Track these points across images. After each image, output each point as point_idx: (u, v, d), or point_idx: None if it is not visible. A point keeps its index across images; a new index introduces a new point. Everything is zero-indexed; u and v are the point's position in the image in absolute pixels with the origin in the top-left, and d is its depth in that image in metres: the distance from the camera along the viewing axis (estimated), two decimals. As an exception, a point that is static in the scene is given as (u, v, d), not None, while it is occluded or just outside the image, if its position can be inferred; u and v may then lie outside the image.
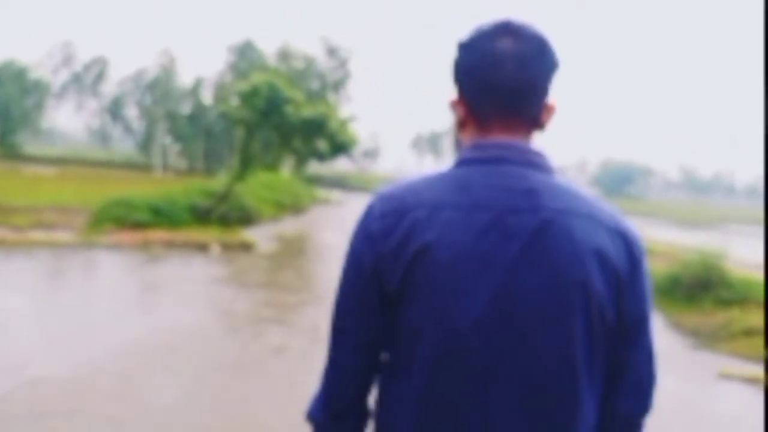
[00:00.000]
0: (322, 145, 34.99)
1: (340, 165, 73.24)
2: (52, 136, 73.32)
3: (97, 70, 56.58)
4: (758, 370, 6.82)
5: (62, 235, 12.27)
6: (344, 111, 41.72)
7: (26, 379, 4.93)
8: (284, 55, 46.85)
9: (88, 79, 56.59)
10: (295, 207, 24.03)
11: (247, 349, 6.42)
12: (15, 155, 44.63)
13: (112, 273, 10.17)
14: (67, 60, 56.41)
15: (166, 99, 52.35)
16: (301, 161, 39.47)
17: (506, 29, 1.07)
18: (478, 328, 1.01)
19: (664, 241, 17.87)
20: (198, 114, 52.00)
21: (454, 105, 1.15)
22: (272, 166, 33.14)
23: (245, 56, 50.51)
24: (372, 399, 1.18)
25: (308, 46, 55.92)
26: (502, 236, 1.02)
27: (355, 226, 1.12)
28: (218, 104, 44.35)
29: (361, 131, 50.70)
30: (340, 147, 37.17)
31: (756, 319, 8.21)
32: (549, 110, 1.12)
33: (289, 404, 4.79)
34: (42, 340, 6.15)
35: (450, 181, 1.08)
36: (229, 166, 32.89)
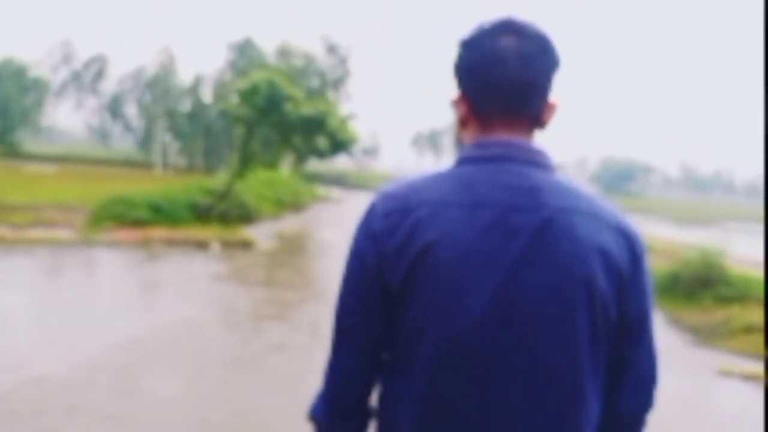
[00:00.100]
0: (321, 142, 34.97)
1: (340, 163, 73.21)
2: (52, 134, 73.22)
3: (97, 68, 56.49)
4: (758, 367, 6.83)
5: (62, 233, 12.27)
6: (344, 109, 41.68)
7: (26, 377, 4.93)
8: (284, 52, 46.78)
9: (87, 77, 56.49)
10: (295, 205, 24.02)
11: (247, 345, 6.42)
12: (15, 153, 44.58)
13: (112, 271, 10.17)
14: (67, 58, 56.32)
15: (165, 97, 52.27)
16: (300, 159, 39.46)
17: (508, 27, 1.07)
18: (481, 327, 1.01)
19: (663, 239, 17.87)
20: (198, 112, 51.92)
21: (456, 103, 1.14)
22: (272, 164, 33.13)
23: (245, 54, 50.42)
24: (374, 398, 1.18)
25: (308, 43, 55.83)
26: (505, 234, 1.02)
27: (358, 224, 1.12)
28: (218, 102, 44.33)
29: (360, 129, 50.59)
30: (339, 145, 37.15)
31: (756, 316, 8.22)
32: (551, 108, 1.12)
33: (290, 400, 4.80)
34: (42, 338, 6.16)
35: (452, 179, 1.08)
36: (229, 164, 32.91)
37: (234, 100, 32.62)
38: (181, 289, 8.95)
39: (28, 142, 52.44)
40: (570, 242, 1.02)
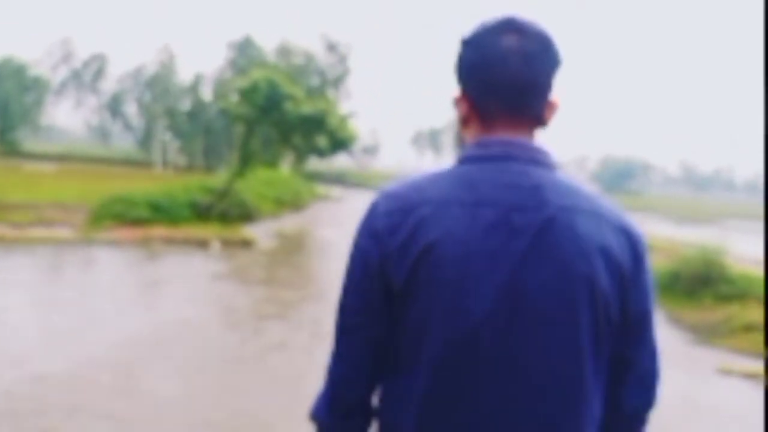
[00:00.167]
0: (321, 141, 34.93)
1: (340, 161, 73.20)
2: (52, 133, 73.20)
3: (97, 66, 56.49)
4: (758, 366, 6.83)
5: (62, 232, 12.27)
6: (344, 107, 41.65)
7: (27, 376, 4.94)
8: (284, 51, 46.76)
9: (87, 75, 56.50)
10: (294, 203, 24.03)
11: (247, 345, 6.42)
12: (14, 152, 44.57)
13: (113, 269, 10.17)
14: (67, 57, 56.32)
15: (165, 96, 52.25)
16: (300, 158, 39.43)
17: (510, 26, 1.07)
18: (484, 326, 1.01)
19: (663, 237, 17.87)
20: (197, 111, 51.91)
21: (457, 102, 1.14)
22: (272, 163, 33.11)
23: (245, 53, 50.40)
24: (376, 398, 1.17)
25: (308, 42, 55.65)
26: (508, 233, 1.02)
27: (360, 224, 1.11)
28: (218, 101, 44.26)
29: (360, 127, 50.58)
30: (339, 143, 37.11)
31: (756, 314, 8.23)
32: (552, 107, 1.12)
33: (290, 400, 4.81)
34: (42, 337, 6.16)
35: (454, 178, 1.07)
36: (229, 163, 32.88)
37: (234, 98, 32.56)
38: (181, 288, 8.96)
39: (28, 141, 52.44)
40: (572, 241, 1.02)
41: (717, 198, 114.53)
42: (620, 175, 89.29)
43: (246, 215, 16.36)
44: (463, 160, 1.10)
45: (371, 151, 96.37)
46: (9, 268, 9.37)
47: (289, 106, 30.49)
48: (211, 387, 5.06)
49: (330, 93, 45.23)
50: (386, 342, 1.10)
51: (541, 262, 1.01)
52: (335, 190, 39.05)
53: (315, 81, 46.49)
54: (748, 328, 8.02)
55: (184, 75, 65.33)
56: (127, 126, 57.97)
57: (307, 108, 31.83)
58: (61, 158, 44.60)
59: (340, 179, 55.83)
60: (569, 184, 1.08)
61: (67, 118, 64.55)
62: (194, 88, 52.82)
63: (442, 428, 1.05)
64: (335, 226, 18.32)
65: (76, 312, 7.13)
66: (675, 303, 9.43)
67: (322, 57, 47.65)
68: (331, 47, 47.61)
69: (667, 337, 7.94)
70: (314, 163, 52.44)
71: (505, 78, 1.06)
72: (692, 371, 6.75)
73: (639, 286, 1.08)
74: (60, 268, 9.99)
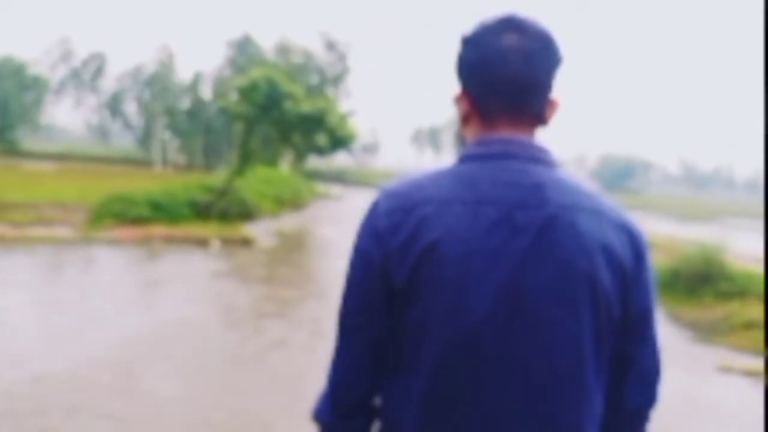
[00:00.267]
0: (321, 139, 34.92)
1: (340, 160, 73.22)
2: (51, 132, 73.16)
3: (96, 65, 56.46)
4: (758, 364, 6.83)
5: (62, 231, 12.27)
6: (343, 105, 41.64)
7: (27, 376, 4.94)
8: (283, 49, 46.72)
9: (86, 74, 56.48)
10: (294, 202, 24.02)
11: (247, 343, 6.42)
12: (14, 151, 44.57)
13: (112, 269, 10.17)
14: (66, 56, 56.29)
15: (164, 94, 52.24)
16: (300, 156, 39.43)
17: (511, 24, 1.07)
18: (485, 325, 1.01)
19: (663, 235, 17.87)
20: (197, 109, 51.90)
21: (458, 100, 1.14)
22: (271, 161, 33.11)
23: (244, 51, 50.38)
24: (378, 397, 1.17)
25: (307, 40, 55.76)
26: (510, 232, 1.01)
27: (361, 223, 1.11)
28: (217, 99, 44.24)
29: (360, 126, 50.65)
30: (339, 142, 37.12)
31: (756, 312, 8.23)
32: (552, 106, 1.12)
33: (290, 399, 4.81)
34: (42, 337, 6.16)
35: (455, 177, 1.07)
36: (229, 162, 32.84)
37: (233, 97, 32.55)
38: (181, 287, 8.96)
39: (28, 141, 52.42)
40: (573, 239, 1.02)
41: (717, 196, 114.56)
42: (620, 174, 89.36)
43: (246, 214, 16.36)
44: (464, 159, 1.10)
45: (371, 149, 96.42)
46: (9, 267, 9.37)
47: (288, 105, 30.49)
48: (210, 386, 5.06)
49: (329, 91, 45.23)
50: (388, 342, 1.10)
51: (542, 260, 1.01)
52: (335, 189, 39.05)
53: (314, 79, 46.49)
54: (748, 326, 8.02)
55: (183, 74, 65.28)
56: (127, 125, 57.96)
57: (307, 106, 31.82)
58: (61, 157, 44.59)
59: (339, 178, 55.84)
60: (570, 182, 1.07)
61: (66, 117, 64.62)
62: (194, 86, 52.81)
63: (442, 427, 1.04)
64: (335, 224, 18.33)
65: (76, 312, 7.13)
66: (675, 301, 9.43)
67: (322, 55, 47.64)
68: (331, 45, 47.58)
69: (668, 334, 7.94)
70: (314, 162, 52.44)
71: (505, 76, 1.06)
72: (692, 369, 6.75)
73: (640, 283, 1.08)
74: (60, 268, 9.99)
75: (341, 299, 1.13)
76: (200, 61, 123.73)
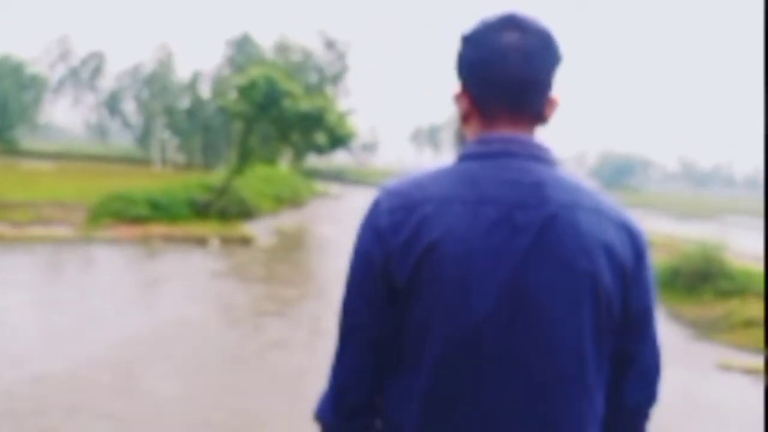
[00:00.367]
0: (320, 138, 34.87)
1: (339, 158, 73.23)
2: (50, 131, 73.06)
3: (95, 64, 56.41)
4: (758, 361, 6.84)
5: (61, 231, 12.26)
6: (342, 104, 41.56)
7: (27, 376, 4.93)
8: (282, 48, 46.70)
9: (85, 73, 56.44)
10: (293, 201, 24.03)
11: (247, 342, 6.42)
12: (13, 150, 44.54)
13: (112, 268, 10.16)
14: (64, 55, 56.23)
15: (163, 93, 52.20)
16: (299, 155, 39.38)
17: (511, 23, 1.06)
18: (486, 324, 1.01)
19: (663, 233, 17.88)
20: (196, 108, 51.87)
21: (458, 98, 1.14)
22: (271, 160, 33.10)
23: (243, 50, 50.34)
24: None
25: (306, 39, 55.57)
26: (510, 230, 1.01)
27: (362, 222, 1.11)
28: (216, 98, 44.17)
29: (359, 125, 50.51)
30: (338, 140, 37.03)
31: (755, 310, 8.23)
32: (552, 104, 1.12)
33: (290, 398, 4.81)
34: (42, 337, 6.16)
35: (456, 175, 1.07)
36: (228, 160, 32.80)
37: (232, 96, 32.50)
38: (181, 286, 8.95)
39: (26, 140, 52.37)
40: (574, 238, 1.02)
41: (716, 194, 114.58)
42: (619, 172, 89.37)
43: (245, 213, 16.36)
44: (464, 157, 1.10)
45: (370, 148, 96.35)
46: (8, 267, 9.36)
47: (287, 104, 30.45)
48: (210, 386, 5.06)
49: (328, 90, 45.21)
50: (389, 341, 1.09)
51: (543, 259, 1.01)
52: (334, 188, 39.06)
53: (313, 78, 46.48)
54: (747, 324, 8.02)
55: (182, 72, 65.28)
56: (126, 124, 57.93)
57: (306, 105, 31.79)
58: (60, 156, 44.55)
59: (338, 176, 55.83)
60: (570, 181, 1.07)
61: (65, 116, 64.57)
62: (192, 85, 52.77)
63: (444, 426, 1.04)
64: (334, 223, 18.33)
65: (76, 311, 7.12)
66: (675, 299, 9.44)
67: (321, 54, 47.63)
68: (330, 44, 47.57)
69: (667, 332, 7.95)
70: (313, 161, 52.42)
71: (505, 75, 1.06)
72: (692, 367, 6.75)
73: (640, 282, 1.08)
74: (59, 267, 9.98)
75: (342, 299, 1.12)
76: (199, 60, 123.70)
